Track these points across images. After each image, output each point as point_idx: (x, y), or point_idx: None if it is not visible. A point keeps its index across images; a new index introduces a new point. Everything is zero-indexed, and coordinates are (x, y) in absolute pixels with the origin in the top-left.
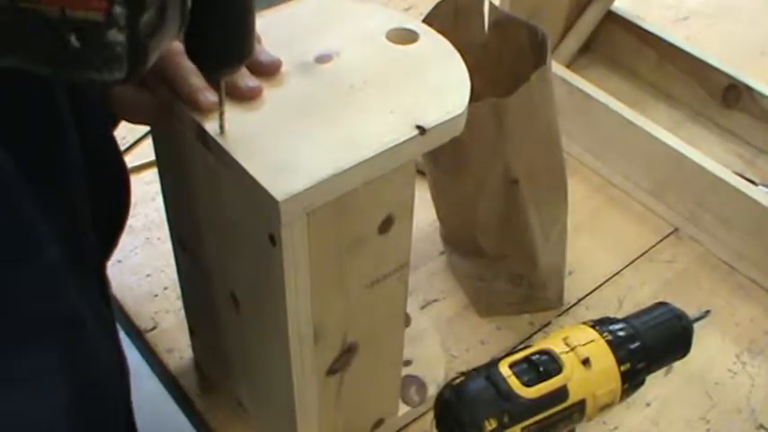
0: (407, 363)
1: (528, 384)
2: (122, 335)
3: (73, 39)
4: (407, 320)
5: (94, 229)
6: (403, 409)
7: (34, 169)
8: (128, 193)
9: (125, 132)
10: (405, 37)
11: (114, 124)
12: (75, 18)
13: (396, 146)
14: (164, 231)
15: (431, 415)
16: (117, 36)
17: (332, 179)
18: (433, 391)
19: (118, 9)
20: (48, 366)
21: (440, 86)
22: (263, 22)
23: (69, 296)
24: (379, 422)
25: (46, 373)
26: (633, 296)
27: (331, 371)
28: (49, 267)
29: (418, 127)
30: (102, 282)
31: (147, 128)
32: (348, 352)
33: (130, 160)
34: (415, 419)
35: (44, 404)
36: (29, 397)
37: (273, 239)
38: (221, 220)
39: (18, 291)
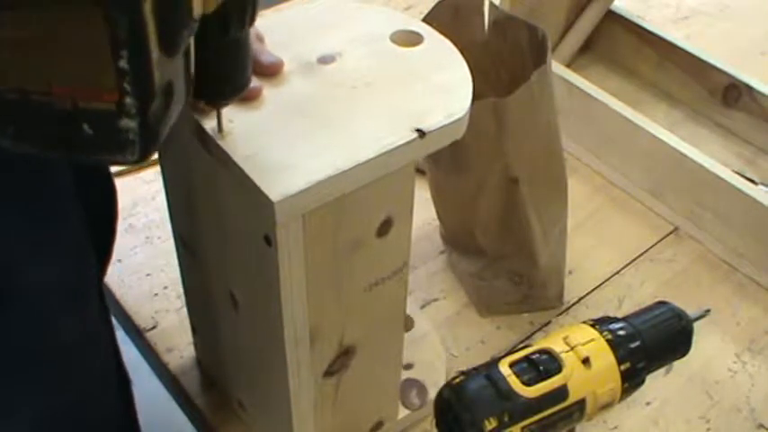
0: (408, 366)
1: (528, 383)
2: (122, 334)
3: (86, 127)
4: (410, 323)
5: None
6: (403, 412)
7: (24, 198)
8: (115, 204)
9: None
10: (409, 39)
11: None
12: (88, 109)
13: (394, 149)
14: (164, 230)
15: (431, 418)
16: (129, 123)
17: (329, 181)
18: (433, 394)
19: (128, 100)
20: (15, 398)
21: (442, 90)
22: (266, 22)
23: (55, 324)
24: (378, 425)
25: (10, 406)
26: (633, 295)
27: (328, 373)
28: (32, 302)
29: (418, 130)
30: (100, 296)
31: None
32: (345, 354)
33: None
34: (415, 423)
35: None
36: None
37: (269, 240)
38: (220, 219)
39: None
